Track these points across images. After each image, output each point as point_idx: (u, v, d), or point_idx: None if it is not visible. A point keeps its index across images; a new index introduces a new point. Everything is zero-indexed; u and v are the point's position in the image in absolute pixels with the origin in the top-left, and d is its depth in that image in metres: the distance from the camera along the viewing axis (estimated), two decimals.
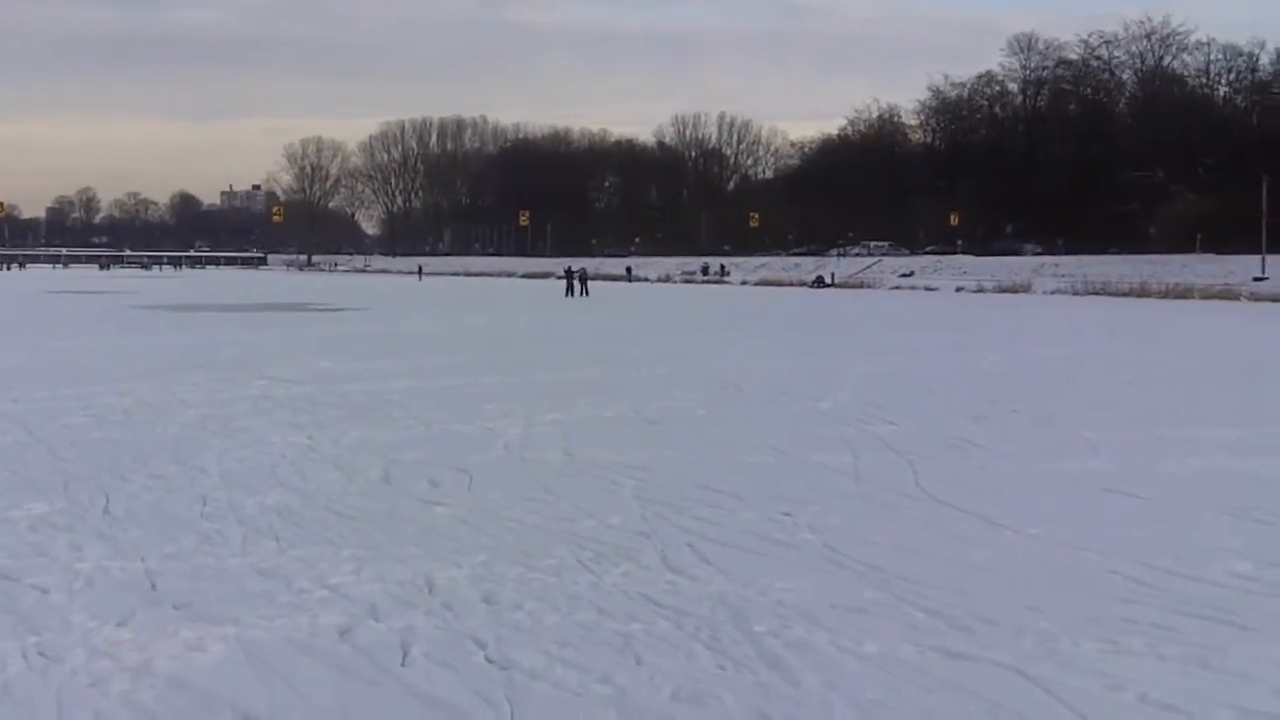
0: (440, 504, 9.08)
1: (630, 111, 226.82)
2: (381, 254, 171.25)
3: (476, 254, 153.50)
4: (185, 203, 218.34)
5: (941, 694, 5.19)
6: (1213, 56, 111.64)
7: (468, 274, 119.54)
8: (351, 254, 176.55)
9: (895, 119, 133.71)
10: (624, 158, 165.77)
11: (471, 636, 5.96)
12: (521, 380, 18.17)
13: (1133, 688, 5.24)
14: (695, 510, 8.81)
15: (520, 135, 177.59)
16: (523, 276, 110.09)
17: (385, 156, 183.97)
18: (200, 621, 6.18)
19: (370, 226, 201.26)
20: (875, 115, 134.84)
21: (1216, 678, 5.38)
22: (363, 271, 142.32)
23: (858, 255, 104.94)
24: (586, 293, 57.86)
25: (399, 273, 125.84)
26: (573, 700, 5.17)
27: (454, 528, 8.30)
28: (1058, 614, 6.24)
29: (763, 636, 5.93)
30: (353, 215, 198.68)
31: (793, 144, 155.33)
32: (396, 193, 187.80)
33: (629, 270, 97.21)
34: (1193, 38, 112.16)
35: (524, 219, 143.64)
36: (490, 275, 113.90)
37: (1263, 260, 62.83)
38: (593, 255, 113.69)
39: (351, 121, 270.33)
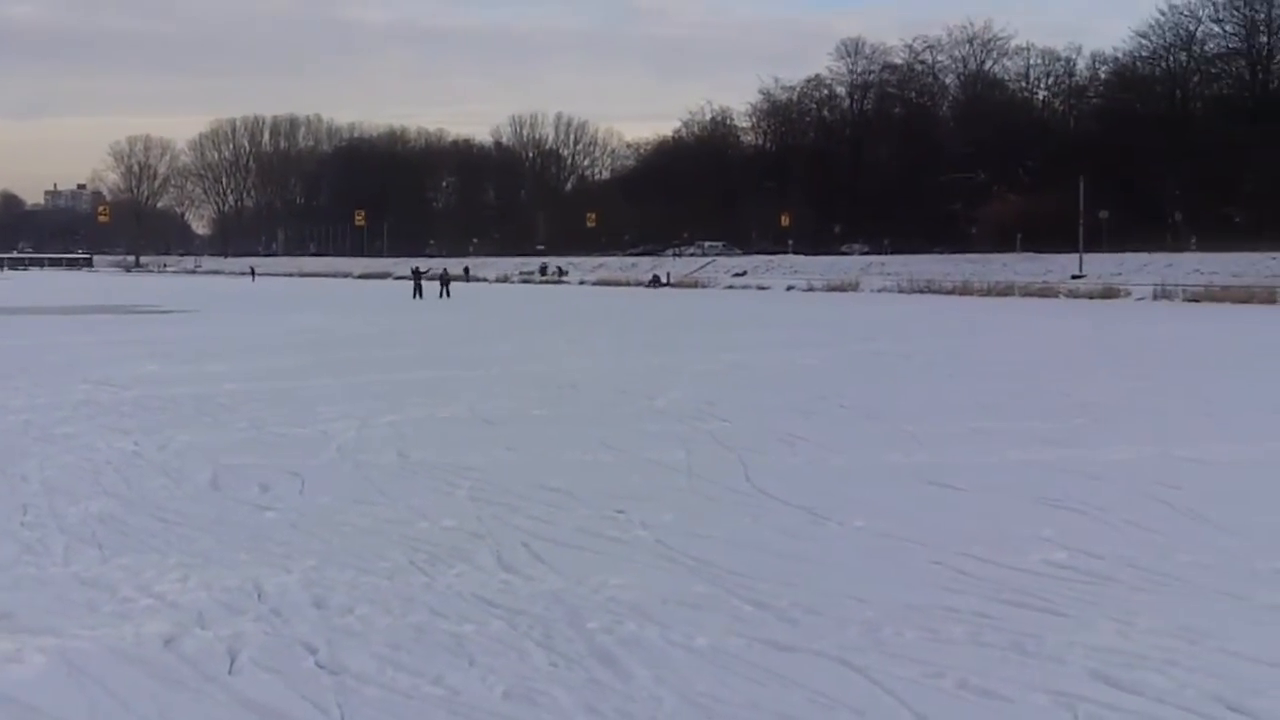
0: (271, 508, 8.94)
1: (468, 111, 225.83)
2: (213, 255, 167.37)
3: (311, 254, 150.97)
4: (7, 203, 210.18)
5: (769, 685, 5.30)
6: (1032, 61, 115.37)
7: (302, 274, 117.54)
8: (182, 255, 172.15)
9: (728, 121, 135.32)
10: (461, 158, 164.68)
11: (301, 642, 5.89)
12: (357, 382, 17.97)
13: (953, 675, 5.40)
14: (530, 509, 8.83)
15: (356, 134, 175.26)
16: (359, 277, 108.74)
17: (216, 155, 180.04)
18: (20, 633, 6.00)
19: (201, 227, 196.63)
20: (708, 117, 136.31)
21: (1033, 663, 5.58)
22: (193, 273, 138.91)
23: (693, 255, 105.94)
24: (448, 294, 56.89)
25: (231, 274, 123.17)
26: (404, 703, 5.15)
27: (284, 532, 8.19)
28: (881, 604, 6.42)
29: (595, 633, 5.98)
30: (183, 215, 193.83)
31: (629, 145, 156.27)
32: (228, 192, 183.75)
33: (467, 270, 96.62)
34: (1013, 43, 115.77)
35: (360, 219, 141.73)
36: (325, 276, 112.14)
37: (1080, 259, 65.20)
38: (430, 255, 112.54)
39: (181, 119, 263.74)
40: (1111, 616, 6.20)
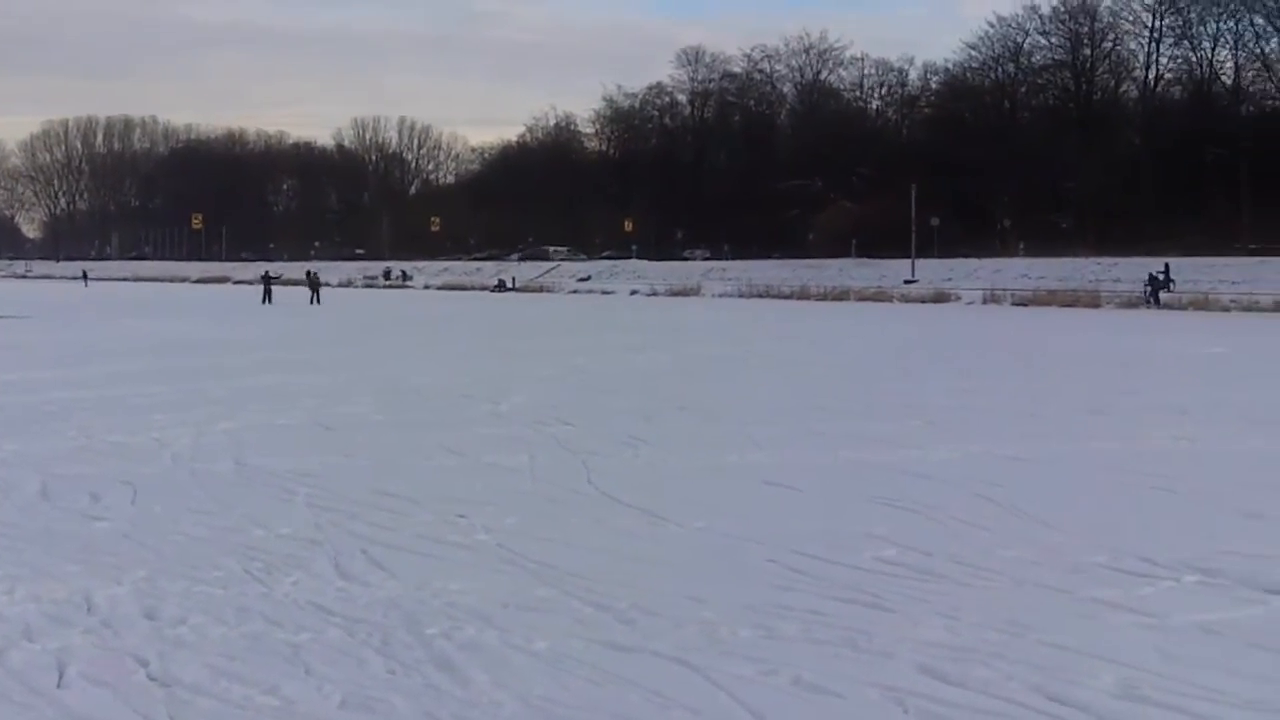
0: (101, 519, 8.72)
1: (309, 114, 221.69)
2: (44, 258, 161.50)
3: (148, 258, 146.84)
4: None
5: (607, 686, 5.34)
6: (866, 71, 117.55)
7: (137, 279, 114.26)
8: (11, 259, 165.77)
9: (572, 127, 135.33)
10: (302, 160, 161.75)
11: (132, 654, 5.77)
12: (194, 389, 17.57)
13: (787, 672, 5.51)
14: (370, 516, 8.76)
15: (193, 136, 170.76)
16: (197, 281, 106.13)
17: (48, 156, 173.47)
18: None
19: (32, 230, 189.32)
20: (552, 123, 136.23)
21: (864, 658, 5.71)
22: (23, 277, 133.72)
23: (538, 260, 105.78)
24: (319, 300, 55.38)
25: (63, 278, 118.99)
26: (237, 713, 5.08)
27: (116, 543, 7.99)
28: (718, 603, 6.52)
29: (434, 639, 5.97)
30: (12, 218, 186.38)
31: (473, 149, 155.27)
32: (60, 194, 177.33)
33: (309, 274, 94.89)
34: (848, 53, 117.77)
35: (197, 222, 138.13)
36: (162, 280, 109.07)
37: (912, 264, 66.81)
38: (271, 259, 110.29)
39: (11, 119, 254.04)
40: (939, 612, 6.38)
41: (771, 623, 6.20)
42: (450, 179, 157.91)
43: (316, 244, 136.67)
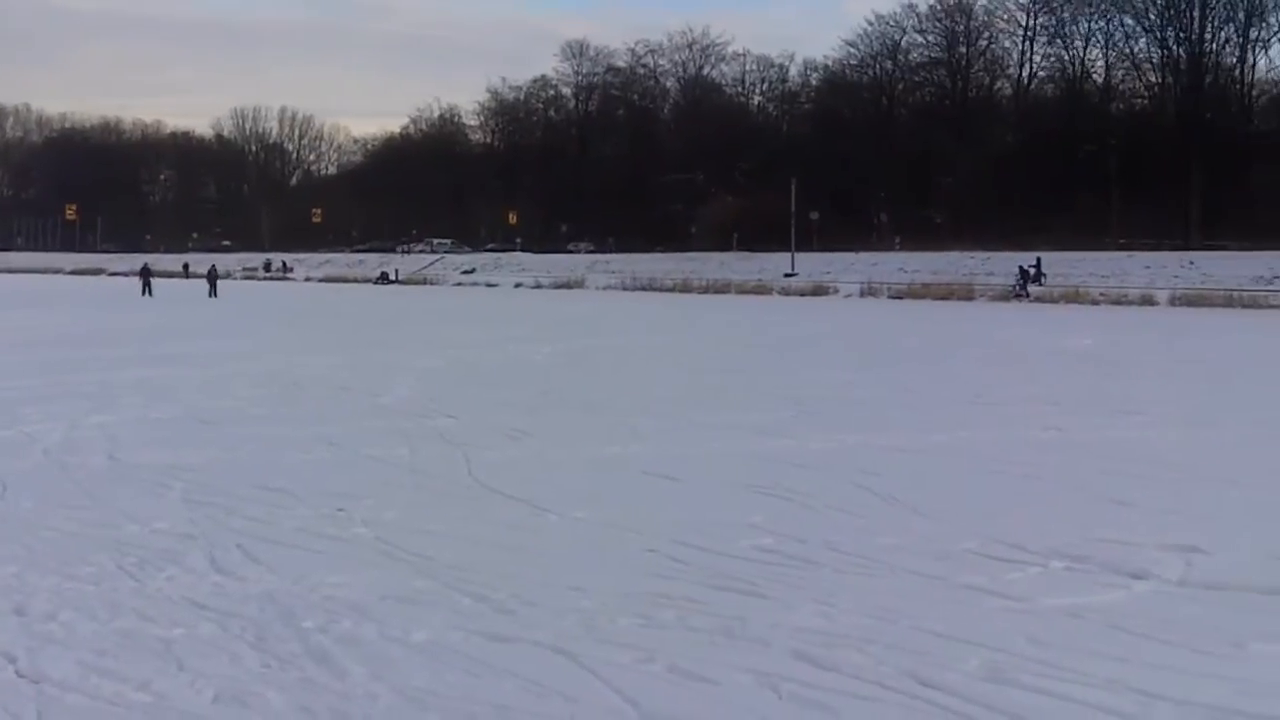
0: None
1: (187, 103, 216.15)
2: None
3: (19, 249, 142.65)
4: None
5: (485, 677, 5.35)
6: (748, 67, 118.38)
7: (9, 270, 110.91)
8: None
9: (456, 119, 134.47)
10: (180, 151, 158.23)
11: (0, 651, 5.65)
12: (67, 381, 17.19)
13: (663, 659, 5.56)
14: (246, 510, 8.66)
15: (68, 125, 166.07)
16: (71, 273, 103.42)
17: None
18: None
19: None
20: (436, 115, 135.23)
21: (739, 645, 5.79)
22: None
23: (421, 252, 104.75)
24: (215, 293, 54.08)
25: None
26: (108, 710, 5.00)
27: None
28: (597, 593, 6.56)
29: (311, 632, 5.93)
30: None
31: (356, 141, 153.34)
32: None
33: (186, 267, 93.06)
34: (730, 49, 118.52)
35: (71, 212, 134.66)
36: (34, 272, 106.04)
37: (792, 258, 67.51)
38: (149, 251, 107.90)
39: None
40: (814, 598, 6.49)
41: (649, 611, 6.25)
42: (333, 170, 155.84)
43: (195, 235, 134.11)
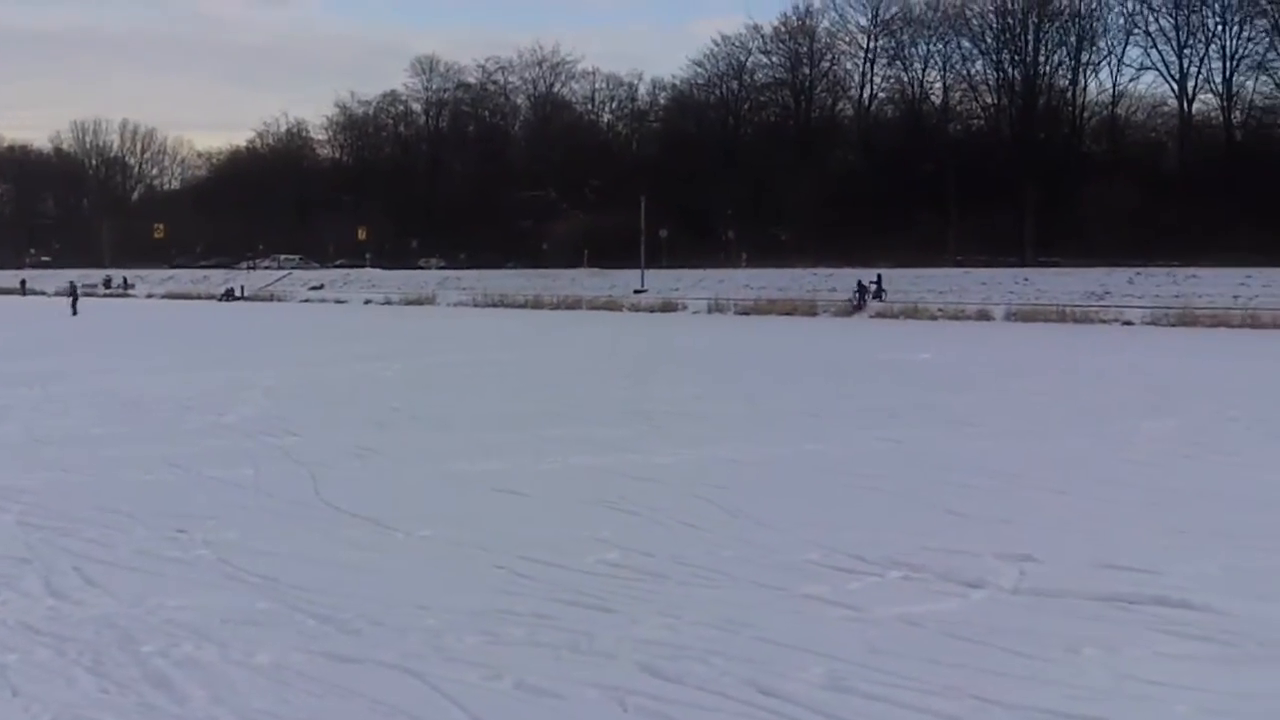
0: None
1: (24, 116, 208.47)
2: None
3: None
4: None
5: (329, 698, 5.31)
6: (598, 85, 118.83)
7: None
8: None
9: (304, 133, 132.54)
10: (18, 165, 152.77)
11: None
12: None
13: (510, 675, 5.58)
14: (84, 532, 8.45)
15: None
16: None
17: None
18: None
19: None
20: (284, 129, 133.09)
21: (586, 659, 5.83)
22: None
23: (268, 268, 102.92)
24: (75, 311, 52.07)
25: None
26: None
27: None
28: (444, 611, 6.55)
29: (150, 656, 5.82)
30: None
31: (200, 155, 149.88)
32: None
33: (23, 283, 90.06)
34: (580, 67, 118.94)
35: None
36: None
37: (642, 274, 67.91)
38: None
39: None
40: (660, 611, 6.56)
41: (497, 628, 6.26)
42: (177, 185, 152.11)
43: (32, 251, 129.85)
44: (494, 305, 63.16)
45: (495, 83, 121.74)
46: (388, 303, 68.39)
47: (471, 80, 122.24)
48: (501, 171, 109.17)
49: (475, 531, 8.47)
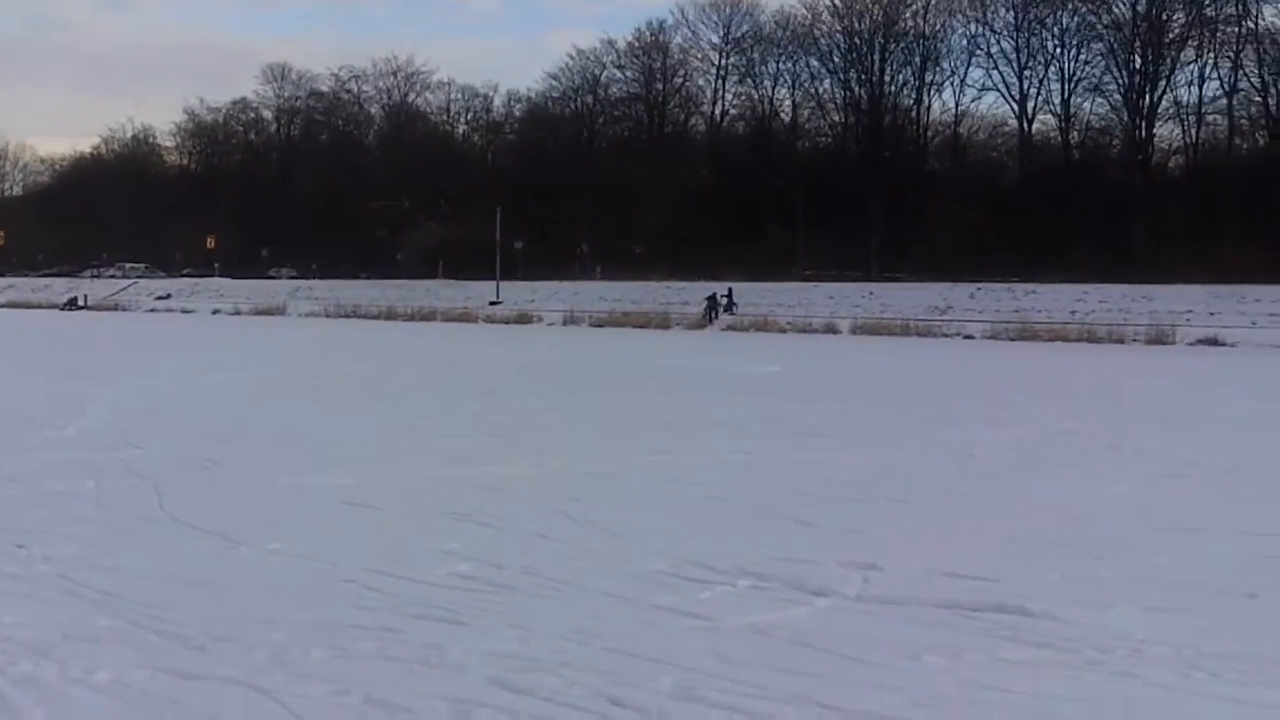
0: None
1: None
2: None
3: None
4: None
5: (171, 715, 5.22)
6: (453, 96, 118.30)
7: None
8: None
9: (151, 140, 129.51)
10: None
11: None
12: None
13: (359, 690, 5.53)
14: None
15: None
16: None
17: None
18: None
19: None
20: (130, 135, 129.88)
21: (436, 673, 5.80)
22: None
23: (113, 277, 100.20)
24: None
25: None
26: None
27: None
28: (290, 625, 6.47)
29: None
30: None
31: (43, 161, 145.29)
32: None
33: None
34: (435, 78, 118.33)
35: None
36: None
37: (497, 286, 67.77)
38: None
39: None
40: (511, 623, 6.57)
41: (345, 642, 6.21)
42: (18, 191, 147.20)
43: None
44: (346, 316, 62.38)
45: (349, 91, 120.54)
46: (237, 313, 67.11)
47: (324, 89, 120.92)
48: (355, 181, 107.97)
49: (324, 545, 8.38)
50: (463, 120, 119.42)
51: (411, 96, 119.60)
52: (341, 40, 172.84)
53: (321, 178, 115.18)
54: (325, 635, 6.30)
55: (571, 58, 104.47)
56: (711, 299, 53.11)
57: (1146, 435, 15.33)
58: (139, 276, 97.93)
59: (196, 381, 22.67)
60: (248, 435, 14.53)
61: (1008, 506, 10.29)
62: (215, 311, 68.90)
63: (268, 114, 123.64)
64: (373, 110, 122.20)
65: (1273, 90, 78.21)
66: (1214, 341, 37.90)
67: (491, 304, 63.84)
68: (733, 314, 52.43)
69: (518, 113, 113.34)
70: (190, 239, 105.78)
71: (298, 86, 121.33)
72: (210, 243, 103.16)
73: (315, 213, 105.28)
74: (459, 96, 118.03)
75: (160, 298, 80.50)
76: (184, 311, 70.70)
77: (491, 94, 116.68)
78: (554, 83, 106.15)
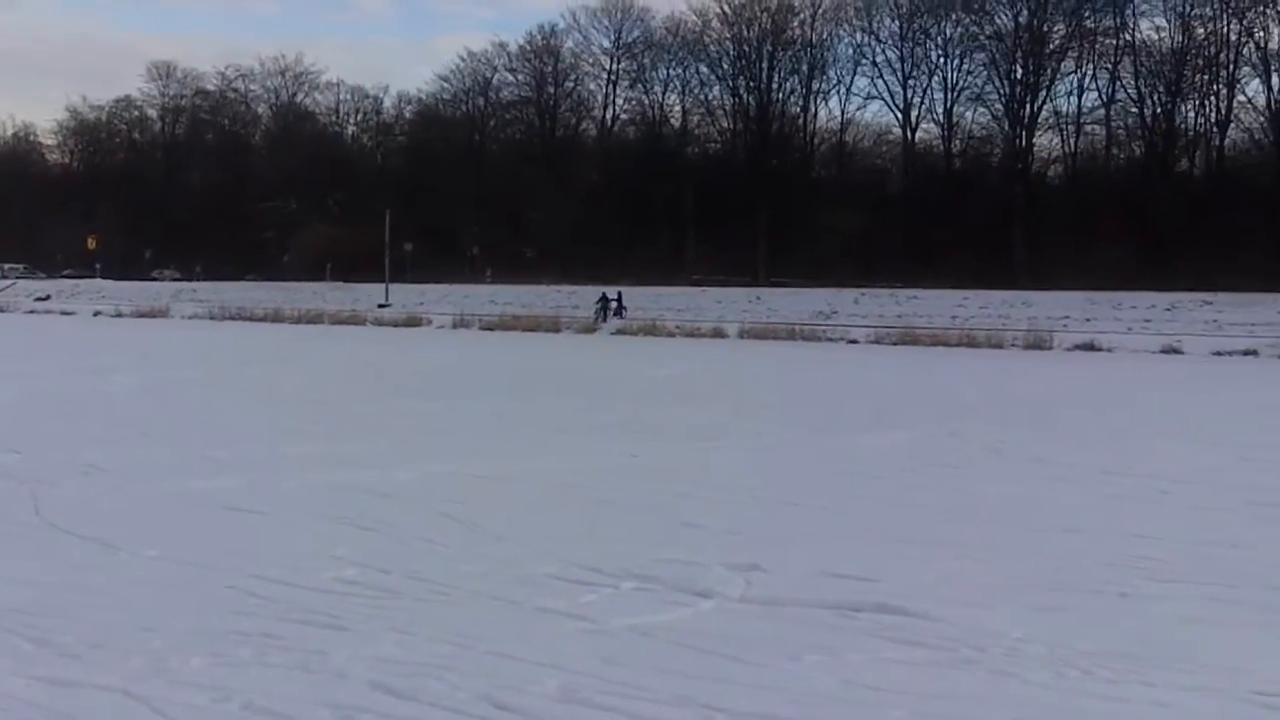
0: None
1: None
2: None
3: None
4: None
5: None
6: (342, 97, 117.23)
7: None
8: None
9: (32, 138, 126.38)
10: None
11: None
12: None
13: (239, 697, 5.48)
14: None
15: None
16: None
17: None
18: None
19: None
20: (10, 133, 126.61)
21: (317, 679, 5.77)
22: None
23: None
24: None
25: None
26: None
27: None
28: (169, 632, 6.39)
29: None
30: None
31: None
32: None
33: None
34: (324, 78, 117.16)
35: None
36: None
37: (386, 288, 67.19)
38: None
39: None
40: (395, 628, 6.55)
41: (225, 649, 6.15)
42: None
43: None
44: (232, 318, 61.31)
45: (235, 90, 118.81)
46: (119, 315, 65.62)
47: (211, 87, 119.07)
48: (241, 181, 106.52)
49: (206, 551, 8.27)
50: (352, 121, 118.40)
51: (300, 96, 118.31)
52: (228, 39, 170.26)
53: (207, 178, 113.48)
54: (205, 642, 6.24)
55: (462, 60, 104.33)
56: (603, 299, 53.35)
57: (1026, 438, 15.66)
58: (18, 277, 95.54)
59: (76, 384, 22.16)
60: (129, 439, 14.24)
61: (889, 508, 10.47)
62: (96, 313, 67.28)
63: (152, 112, 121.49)
64: (260, 110, 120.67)
65: (1149, 101, 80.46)
66: (1090, 346, 38.72)
67: (380, 306, 63.23)
68: (622, 318, 52.57)
69: (408, 114, 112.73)
70: (71, 239, 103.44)
71: (183, 85, 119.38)
72: (92, 243, 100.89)
73: (200, 213, 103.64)
74: (348, 97, 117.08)
75: (40, 299, 78.50)
76: (64, 313, 68.94)
77: (381, 95, 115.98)
78: (445, 85, 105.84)
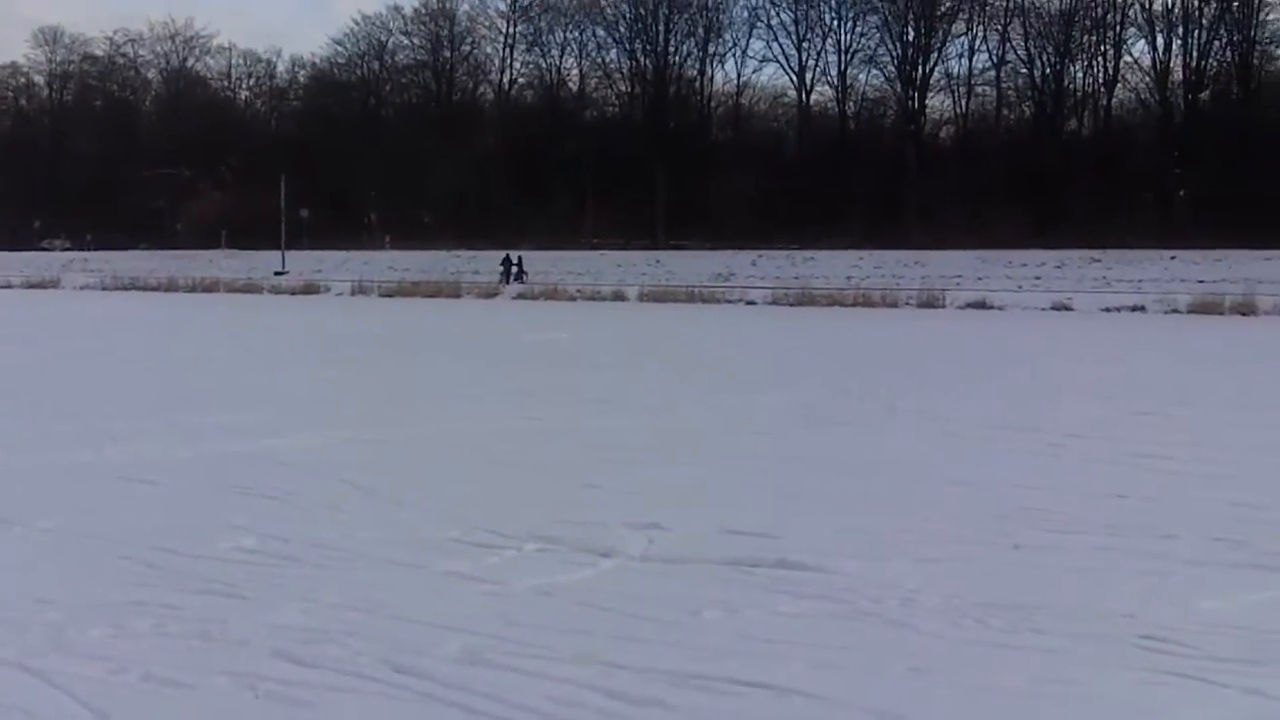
0: None
1: None
2: None
3: None
4: None
5: None
6: (234, 61, 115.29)
7: None
8: None
9: None
10: None
11: None
12: None
13: (137, 669, 5.44)
14: None
15: None
16: None
17: None
18: None
19: None
20: None
21: (217, 648, 5.74)
22: None
23: None
24: None
25: None
26: None
27: None
28: (66, 605, 6.31)
29: None
30: None
31: None
32: None
33: None
34: (215, 42, 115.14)
35: None
36: None
37: (282, 256, 66.36)
38: None
39: None
40: (296, 596, 6.53)
41: (123, 620, 6.09)
42: None
43: None
44: (124, 288, 60.12)
45: (124, 55, 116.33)
46: (8, 286, 64.02)
47: (99, 53, 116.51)
48: (131, 148, 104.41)
49: (101, 522, 8.17)
50: (245, 86, 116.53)
51: (191, 61, 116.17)
52: (116, 3, 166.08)
53: (97, 146, 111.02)
54: (102, 614, 6.17)
55: (357, 23, 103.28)
56: (506, 260, 53.29)
57: (921, 395, 15.93)
58: None
59: None
60: (18, 411, 13.96)
61: (786, 465, 10.60)
62: None
63: (39, 79, 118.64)
64: (150, 75, 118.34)
65: (1038, 63, 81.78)
66: (982, 305, 39.38)
67: (277, 274, 62.38)
68: (523, 282, 52.46)
69: (302, 79, 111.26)
70: None
71: (70, 50, 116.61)
72: None
73: (90, 182, 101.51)
74: (240, 62, 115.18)
75: None
76: None
77: (275, 60, 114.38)
78: (339, 49, 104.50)
